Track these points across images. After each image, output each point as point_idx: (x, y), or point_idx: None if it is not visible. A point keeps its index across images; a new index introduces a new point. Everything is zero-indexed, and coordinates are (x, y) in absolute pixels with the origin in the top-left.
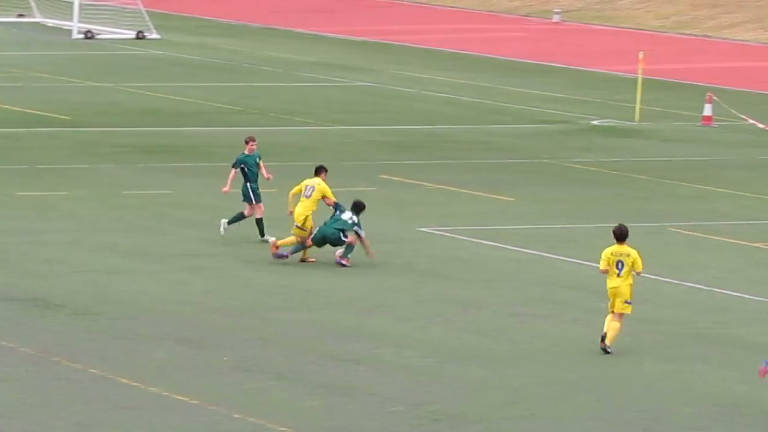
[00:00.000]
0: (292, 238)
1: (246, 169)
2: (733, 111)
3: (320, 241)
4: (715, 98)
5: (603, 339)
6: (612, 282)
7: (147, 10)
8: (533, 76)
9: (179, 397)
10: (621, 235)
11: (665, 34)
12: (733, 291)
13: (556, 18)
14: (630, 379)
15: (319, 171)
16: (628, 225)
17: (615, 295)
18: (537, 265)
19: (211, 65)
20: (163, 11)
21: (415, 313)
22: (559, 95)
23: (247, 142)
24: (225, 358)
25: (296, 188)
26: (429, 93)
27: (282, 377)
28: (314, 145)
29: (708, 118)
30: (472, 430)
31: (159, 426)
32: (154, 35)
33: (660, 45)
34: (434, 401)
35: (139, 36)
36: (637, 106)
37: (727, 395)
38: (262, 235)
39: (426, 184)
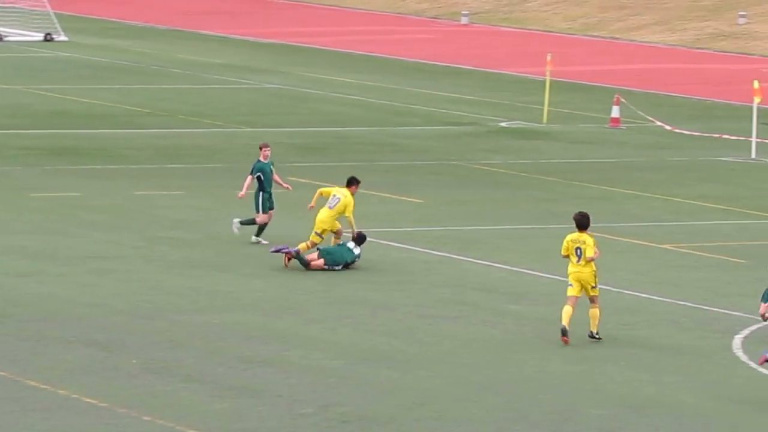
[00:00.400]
0: (306, 244)
1: (262, 177)
2: (640, 113)
3: (332, 263)
4: (622, 100)
5: (565, 333)
6: (572, 267)
7: (55, 12)
8: (442, 78)
9: (88, 400)
10: (580, 224)
11: (573, 36)
12: (641, 293)
13: (464, 20)
14: (539, 380)
15: (350, 183)
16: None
17: (578, 280)
18: (446, 266)
19: (120, 67)
20: (71, 13)
21: (325, 314)
22: (467, 97)
23: (261, 149)
24: (134, 361)
25: (326, 191)
26: (337, 95)
27: (191, 379)
28: (223, 147)
29: (616, 120)
30: None
31: (68, 429)
32: (62, 37)
33: (568, 47)
34: (343, 403)
35: (47, 38)
36: (546, 108)
37: (636, 396)
38: (258, 235)
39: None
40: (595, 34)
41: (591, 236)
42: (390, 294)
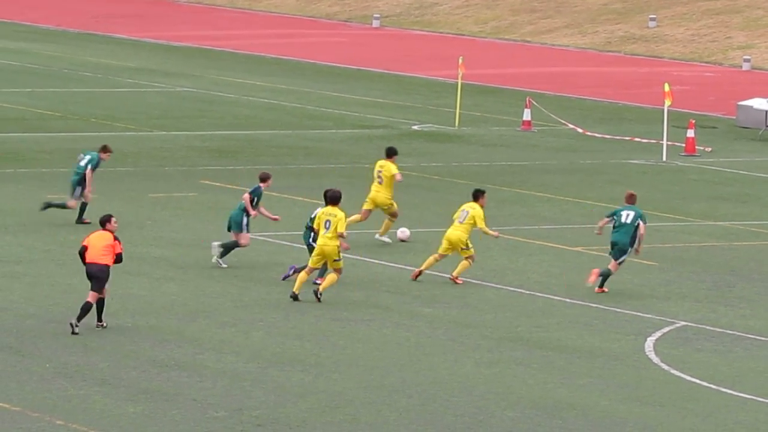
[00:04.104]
0: (465, 263)
1: (254, 202)
2: (552, 115)
3: None
4: (534, 103)
5: (295, 298)
6: (320, 240)
7: None
8: (353, 81)
9: (1, 404)
10: (332, 198)
11: (484, 39)
12: (553, 295)
13: (375, 23)
14: (452, 383)
15: (477, 195)
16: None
17: (322, 253)
18: (358, 269)
19: (31, 71)
20: None
21: (238, 318)
22: (379, 100)
23: (265, 180)
24: (47, 365)
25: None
26: (250, 98)
27: (104, 383)
28: (135, 150)
29: (527, 123)
30: None
31: None
32: None
33: (479, 50)
34: (256, 406)
35: None
36: (457, 111)
37: (548, 399)
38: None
39: (246, 189)
40: (507, 37)
41: (342, 211)
42: (303, 297)
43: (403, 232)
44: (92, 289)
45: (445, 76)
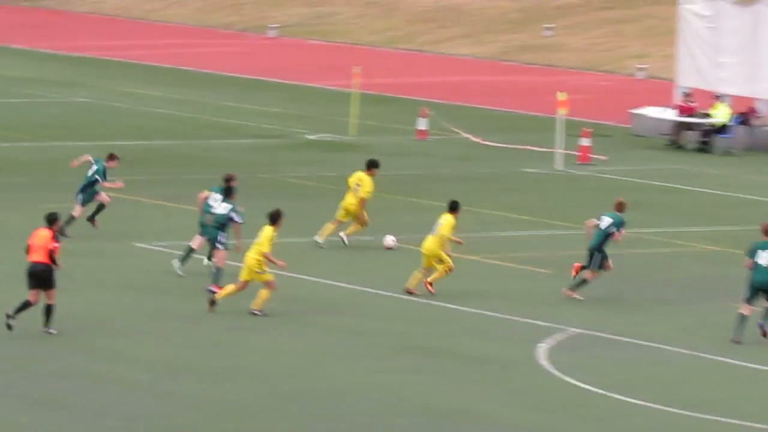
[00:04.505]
0: (441, 273)
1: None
2: (447, 125)
3: None
4: (429, 112)
5: (212, 303)
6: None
7: None
8: (249, 91)
9: None
10: (271, 217)
11: (380, 48)
12: (448, 303)
13: (271, 33)
14: (345, 390)
15: (453, 207)
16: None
17: (245, 265)
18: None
19: None
20: None
21: (130, 328)
22: (275, 110)
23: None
24: None
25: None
26: (146, 108)
27: None
28: (31, 161)
29: (423, 132)
30: None
31: None
32: None
33: (375, 60)
34: (148, 415)
35: None
36: (353, 121)
37: (441, 406)
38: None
39: (143, 199)
40: (402, 46)
41: (271, 230)
42: (197, 306)
43: (388, 239)
44: (31, 288)
45: (341, 85)
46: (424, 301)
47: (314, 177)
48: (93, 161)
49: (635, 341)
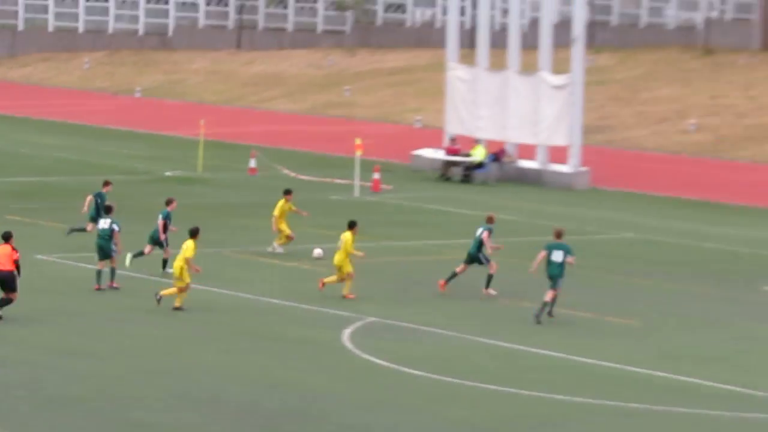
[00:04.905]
0: (348, 282)
1: (168, 222)
2: (271, 164)
3: None
4: (258, 154)
5: (158, 300)
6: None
7: None
8: (122, 140)
9: None
10: (192, 232)
11: (220, 106)
12: (272, 299)
13: (138, 94)
14: (198, 366)
15: (351, 225)
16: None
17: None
18: (134, 282)
19: None
20: None
21: (32, 320)
22: (141, 154)
23: (170, 203)
24: None
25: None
26: (43, 153)
27: None
28: None
29: (253, 170)
30: (78, 410)
31: None
32: None
33: (217, 114)
34: (50, 387)
35: None
36: (200, 161)
37: (270, 378)
38: (135, 256)
39: (41, 222)
40: (238, 104)
41: (192, 242)
42: (84, 303)
43: (316, 251)
44: (3, 290)
45: (191, 134)
46: (255, 297)
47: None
48: (94, 195)
49: (417, 327)
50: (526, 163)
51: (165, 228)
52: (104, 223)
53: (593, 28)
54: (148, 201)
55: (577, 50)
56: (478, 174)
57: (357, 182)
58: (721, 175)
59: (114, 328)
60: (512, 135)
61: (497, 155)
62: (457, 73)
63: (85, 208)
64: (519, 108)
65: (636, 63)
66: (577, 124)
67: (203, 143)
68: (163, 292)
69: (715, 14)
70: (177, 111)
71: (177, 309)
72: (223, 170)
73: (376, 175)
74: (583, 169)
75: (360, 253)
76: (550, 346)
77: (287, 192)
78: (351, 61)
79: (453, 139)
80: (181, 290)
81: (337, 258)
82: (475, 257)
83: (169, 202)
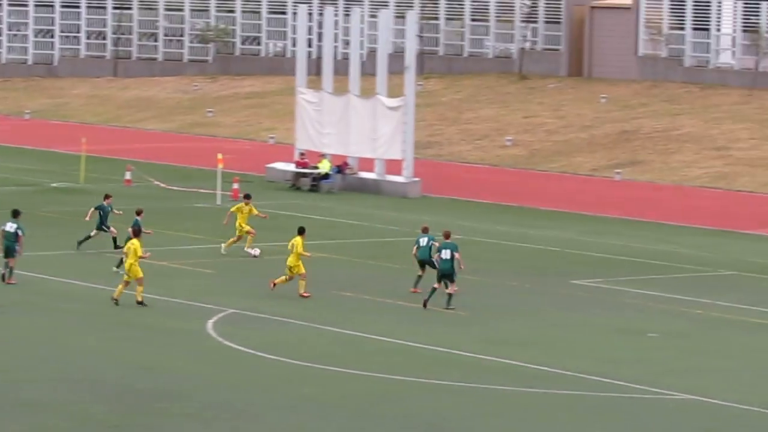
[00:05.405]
0: (301, 282)
1: (101, 213)
2: (144, 176)
3: None
4: (133, 168)
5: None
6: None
7: None
8: (13, 156)
9: None
10: (134, 233)
11: (100, 126)
12: (146, 294)
13: (27, 116)
14: (81, 351)
15: (301, 231)
16: None
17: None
18: (27, 279)
19: None
20: None
21: None
22: (31, 168)
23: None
24: None
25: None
26: None
27: None
28: None
29: (128, 181)
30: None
31: None
32: None
33: (96, 133)
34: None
35: None
36: (82, 173)
37: (140, 361)
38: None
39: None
40: (115, 124)
41: (137, 241)
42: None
43: (255, 251)
44: None
45: (75, 150)
46: (131, 292)
47: (57, 212)
48: (96, 208)
49: (274, 317)
50: (366, 174)
51: (137, 233)
52: (11, 226)
53: (423, 57)
54: (38, 210)
55: (409, 77)
56: (324, 184)
57: (219, 192)
58: (534, 184)
59: (5, 320)
60: (354, 150)
61: (341, 167)
62: (305, 96)
63: (88, 217)
64: (359, 126)
65: (460, 87)
66: (409, 140)
67: (85, 158)
68: (137, 297)
69: (528, 45)
70: (61, 130)
71: (142, 303)
72: (102, 182)
73: (236, 185)
74: (416, 179)
75: (308, 254)
76: (388, 333)
77: (247, 197)
78: (213, 86)
79: (302, 154)
80: (126, 284)
81: (290, 260)
82: (427, 261)
83: (138, 212)
